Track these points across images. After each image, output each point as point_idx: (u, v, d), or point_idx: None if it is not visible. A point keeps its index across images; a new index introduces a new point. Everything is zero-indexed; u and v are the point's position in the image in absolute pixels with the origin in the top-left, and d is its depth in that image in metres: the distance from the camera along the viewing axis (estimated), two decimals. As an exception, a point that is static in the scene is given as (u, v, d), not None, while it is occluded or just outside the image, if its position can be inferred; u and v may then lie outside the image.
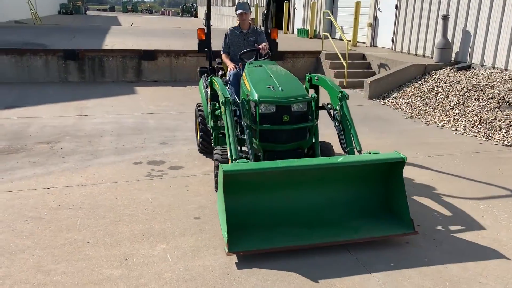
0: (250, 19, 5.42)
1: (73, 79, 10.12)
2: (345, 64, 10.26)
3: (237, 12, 5.25)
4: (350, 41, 11.69)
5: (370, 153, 3.62)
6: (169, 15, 60.23)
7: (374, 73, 10.61)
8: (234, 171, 3.20)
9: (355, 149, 3.95)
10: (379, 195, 3.70)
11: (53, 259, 3.12)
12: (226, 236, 3.10)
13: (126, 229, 3.60)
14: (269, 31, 5.80)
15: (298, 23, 17.93)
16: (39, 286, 2.80)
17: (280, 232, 3.35)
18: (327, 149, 4.33)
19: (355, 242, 3.32)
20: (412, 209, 3.59)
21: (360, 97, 9.45)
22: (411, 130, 7.05)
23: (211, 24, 5.64)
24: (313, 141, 4.21)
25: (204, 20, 5.67)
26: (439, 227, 3.73)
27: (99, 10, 78.25)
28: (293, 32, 18.54)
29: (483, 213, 4.04)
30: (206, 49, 5.65)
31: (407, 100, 8.66)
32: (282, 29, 18.72)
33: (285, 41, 14.76)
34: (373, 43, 13.03)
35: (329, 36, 11.36)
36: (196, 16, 44.96)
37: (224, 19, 29.89)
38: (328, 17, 12.83)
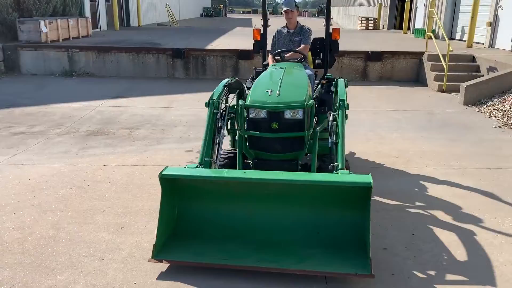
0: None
1: (179, 75, 11.25)
2: (445, 66, 9.54)
3: (282, 10, 5.01)
4: (464, 41, 10.75)
5: (338, 172, 3.18)
6: (305, 16, 61.25)
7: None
8: (170, 175, 3.08)
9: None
10: (340, 223, 3.19)
11: (69, 220, 3.77)
12: (155, 241, 3.01)
13: (139, 204, 4.11)
14: (330, 31, 5.38)
15: (419, 23, 16.93)
16: (46, 239, 3.45)
17: (217, 248, 3.10)
18: (325, 164, 3.84)
19: (295, 273, 2.91)
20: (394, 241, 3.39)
21: (455, 103, 8.72)
22: (490, 140, 6.36)
23: (268, 24, 5.61)
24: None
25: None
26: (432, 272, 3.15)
27: (243, 12, 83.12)
28: (412, 32, 17.56)
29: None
30: (261, 50, 5.82)
31: (505, 108, 7.73)
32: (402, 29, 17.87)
33: (394, 41, 14.15)
34: (491, 44, 11.75)
35: (432, 36, 10.61)
36: (328, 17, 44.97)
37: (352, 19, 29.45)
38: (433, 16, 11.94)
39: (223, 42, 12.90)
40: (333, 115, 3.66)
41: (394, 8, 21.63)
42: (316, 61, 5.09)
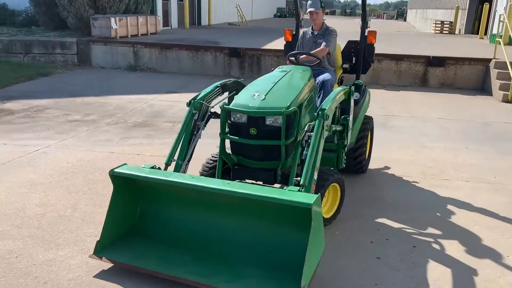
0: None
1: (234, 73, 11.51)
2: (511, 75, 8.87)
3: (307, 11, 4.78)
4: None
5: (285, 188, 2.91)
6: (383, 18, 59.43)
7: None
8: (120, 173, 3.03)
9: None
10: (281, 243, 2.92)
11: (87, 202, 4.07)
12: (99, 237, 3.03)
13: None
14: (365, 33, 5.01)
15: (497, 28, 15.79)
16: (62, 217, 3.77)
17: (158, 253, 3.02)
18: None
19: None
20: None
21: (519, 115, 8.09)
22: (544, 156, 5.84)
23: (301, 25, 5.57)
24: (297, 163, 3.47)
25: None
26: None
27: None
28: (489, 38, 16.42)
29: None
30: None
31: None
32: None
33: (465, 46, 13.36)
34: None
35: (501, 41, 9.88)
36: (405, 20, 43.25)
37: (428, 23, 28.12)
38: (502, 21, 11.09)
39: (282, 42, 12.97)
40: (309, 125, 3.33)
41: (473, 11, 20.33)
42: (344, 65, 4.85)
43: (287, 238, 2.88)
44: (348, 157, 4.57)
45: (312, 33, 4.87)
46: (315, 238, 2.66)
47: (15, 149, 5.51)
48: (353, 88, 4.07)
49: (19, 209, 3.87)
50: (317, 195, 2.67)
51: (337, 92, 3.71)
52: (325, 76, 4.46)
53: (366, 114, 4.89)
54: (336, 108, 3.87)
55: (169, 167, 3.51)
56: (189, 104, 3.72)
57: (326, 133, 3.33)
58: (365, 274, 3.05)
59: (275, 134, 3.34)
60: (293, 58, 4.52)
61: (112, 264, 2.98)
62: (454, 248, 3.46)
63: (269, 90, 3.53)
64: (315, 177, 3.12)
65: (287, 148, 3.40)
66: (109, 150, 5.61)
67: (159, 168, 3.21)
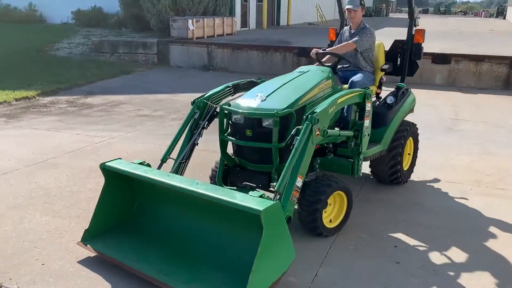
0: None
1: (303, 73, 11.55)
2: None
3: (345, 8, 4.55)
4: None
5: (248, 194, 2.75)
6: (481, 16, 55.24)
7: None
8: (109, 167, 3.16)
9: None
10: (240, 247, 2.87)
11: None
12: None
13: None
14: (412, 32, 4.65)
15: None
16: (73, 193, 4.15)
17: (135, 248, 3.10)
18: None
19: None
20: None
21: None
22: None
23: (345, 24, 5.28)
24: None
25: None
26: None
27: (411, 12, 78.62)
28: None
29: None
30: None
31: None
32: None
33: None
34: None
35: None
36: (504, 17, 39.82)
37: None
38: None
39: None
40: (297, 129, 3.15)
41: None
42: (383, 67, 4.53)
43: (253, 243, 2.72)
44: (381, 166, 4.37)
45: (349, 32, 4.65)
46: (268, 247, 2.54)
47: (85, 139, 6.10)
48: (370, 91, 3.73)
49: (73, 192, 4.32)
50: (273, 202, 2.57)
51: (341, 95, 3.48)
52: (356, 77, 4.27)
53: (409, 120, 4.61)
54: (354, 111, 3.77)
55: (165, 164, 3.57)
56: (193, 103, 3.74)
57: (318, 139, 3.15)
58: (377, 277, 3.00)
59: (271, 136, 3.26)
60: (316, 58, 4.36)
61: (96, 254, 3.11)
62: (484, 264, 3.23)
63: (274, 91, 3.49)
64: (298, 183, 2.99)
65: (282, 151, 3.28)
66: (165, 143, 5.96)
67: (147, 165, 3.23)
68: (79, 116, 7.47)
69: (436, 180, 4.81)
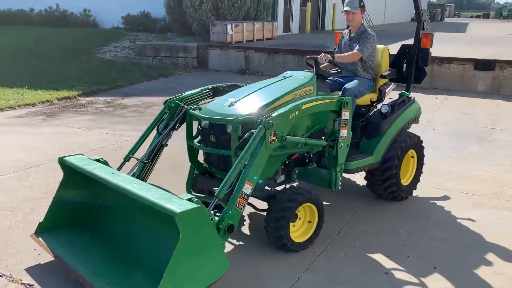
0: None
1: (339, 78, 11.40)
2: None
3: (342, 10, 4.31)
4: None
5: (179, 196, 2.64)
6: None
7: None
8: (65, 161, 3.17)
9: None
10: (160, 249, 2.76)
11: (154, 174, 4.56)
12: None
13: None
14: (419, 36, 4.34)
15: None
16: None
17: (79, 247, 3.06)
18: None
19: None
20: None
21: None
22: None
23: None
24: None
25: None
26: None
27: (471, 17, 75.57)
28: None
29: None
30: None
31: None
32: None
33: None
34: None
35: None
36: None
37: None
38: None
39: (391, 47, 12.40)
40: (250, 133, 3.01)
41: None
42: (383, 73, 4.27)
43: (161, 242, 2.73)
44: (375, 180, 4.12)
45: (349, 35, 4.38)
46: (187, 254, 2.43)
47: (111, 137, 6.37)
48: (348, 98, 3.46)
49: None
50: (196, 206, 2.45)
51: (307, 101, 3.27)
52: (350, 83, 4.08)
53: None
54: (332, 120, 3.52)
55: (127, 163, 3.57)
56: (165, 103, 3.65)
57: (274, 145, 2.98)
58: (361, 286, 2.92)
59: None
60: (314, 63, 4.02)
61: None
62: (479, 283, 3.08)
63: (245, 96, 3.38)
64: (246, 190, 2.82)
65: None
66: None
67: (104, 162, 3.22)
68: (112, 116, 7.81)
69: (453, 191, 4.60)
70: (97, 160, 3.21)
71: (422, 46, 4.34)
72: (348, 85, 4.04)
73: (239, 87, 3.91)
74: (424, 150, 4.44)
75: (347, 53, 4.13)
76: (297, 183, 3.70)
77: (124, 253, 2.96)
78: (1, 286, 2.84)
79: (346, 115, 3.46)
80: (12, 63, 12.15)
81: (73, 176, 3.20)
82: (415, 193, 4.47)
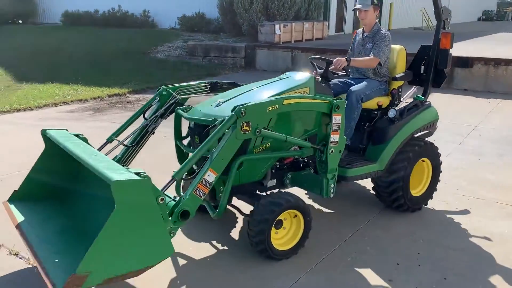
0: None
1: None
2: None
3: (354, 8, 4.11)
4: None
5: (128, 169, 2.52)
6: None
7: None
8: (47, 133, 3.15)
9: None
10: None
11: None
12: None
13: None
14: (439, 36, 4.06)
15: None
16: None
17: (45, 220, 3.03)
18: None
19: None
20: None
21: None
22: None
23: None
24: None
25: None
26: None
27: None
28: None
29: None
30: None
31: None
32: None
33: None
34: None
35: None
36: None
37: None
38: None
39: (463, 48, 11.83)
40: (222, 120, 2.94)
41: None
42: (396, 76, 4.04)
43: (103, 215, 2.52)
44: (381, 191, 3.92)
45: (362, 35, 4.16)
46: (121, 228, 2.30)
47: (149, 134, 6.62)
48: (340, 101, 3.24)
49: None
50: (139, 178, 2.31)
51: (291, 96, 3.14)
52: (356, 86, 3.88)
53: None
54: (324, 124, 3.33)
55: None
56: (158, 89, 3.63)
57: (245, 135, 2.84)
58: (360, 292, 2.86)
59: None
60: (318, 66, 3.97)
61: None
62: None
63: (234, 97, 3.32)
64: (209, 178, 2.71)
65: None
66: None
67: (83, 138, 3.16)
68: (155, 113, 8.11)
69: (486, 200, 4.35)
70: (77, 136, 3.16)
71: (442, 47, 4.05)
72: (354, 88, 3.86)
73: (238, 85, 3.82)
74: (440, 158, 4.13)
75: (363, 58, 3.95)
76: (287, 189, 3.51)
77: (82, 226, 2.89)
78: (16, 268, 3.07)
79: (337, 119, 3.24)
80: (72, 61, 12.95)
81: (51, 149, 3.13)
82: (442, 200, 4.28)
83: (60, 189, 3.25)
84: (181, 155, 3.62)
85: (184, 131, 3.56)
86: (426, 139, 4.13)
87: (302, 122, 3.39)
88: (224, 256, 3.33)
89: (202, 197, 2.72)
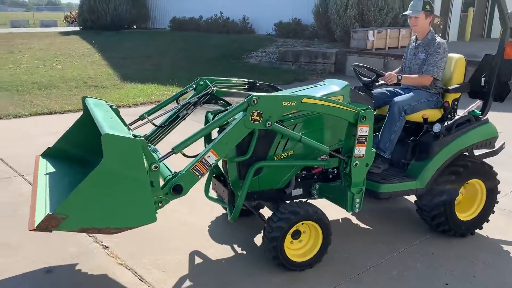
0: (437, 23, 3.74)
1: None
2: None
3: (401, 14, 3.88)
4: None
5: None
6: None
7: None
8: (85, 100, 3.34)
9: None
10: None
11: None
12: None
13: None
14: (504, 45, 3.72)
15: None
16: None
17: (61, 177, 3.11)
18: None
19: None
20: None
21: None
22: None
23: None
24: None
25: None
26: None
27: None
28: None
29: None
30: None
31: None
32: None
33: None
34: None
35: None
36: None
37: None
38: None
39: None
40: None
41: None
42: (451, 87, 3.77)
43: None
44: (424, 214, 3.68)
45: (415, 43, 3.96)
46: (104, 181, 2.34)
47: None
48: (368, 112, 3.04)
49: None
50: (131, 137, 2.38)
51: (311, 96, 3.00)
52: (400, 96, 3.71)
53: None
54: (351, 135, 3.09)
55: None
56: (196, 79, 3.67)
57: (255, 124, 2.78)
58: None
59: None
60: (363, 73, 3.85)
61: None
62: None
63: None
64: (209, 159, 2.71)
65: (241, 166, 3.12)
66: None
67: (115, 109, 3.32)
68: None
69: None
70: (110, 106, 3.35)
71: (506, 57, 3.70)
72: (398, 98, 3.67)
73: (277, 89, 3.79)
74: (496, 179, 3.75)
75: (415, 77, 3.75)
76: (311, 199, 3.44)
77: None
78: (86, 244, 3.47)
79: (364, 130, 3.05)
80: (172, 64, 13.91)
81: (86, 114, 3.22)
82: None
83: (86, 153, 3.31)
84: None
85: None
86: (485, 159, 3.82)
87: (330, 131, 3.31)
88: (252, 258, 3.38)
89: (199, 176, 2.73)
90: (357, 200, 3.20)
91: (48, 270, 3.12)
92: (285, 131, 2.99)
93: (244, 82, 3.86)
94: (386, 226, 3.94)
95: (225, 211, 3.99)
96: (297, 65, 13.80)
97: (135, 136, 2.50)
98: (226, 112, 2.89)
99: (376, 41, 12.89)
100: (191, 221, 3.93)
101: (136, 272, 3.11)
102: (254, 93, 2.80)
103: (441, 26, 11.16)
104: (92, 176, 2.33)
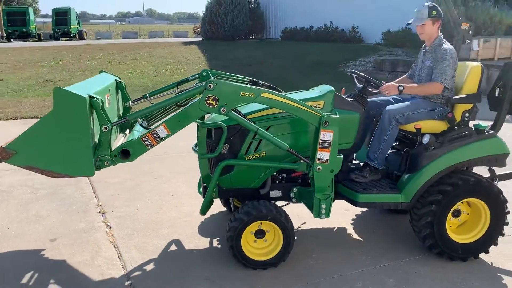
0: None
1: None
2: None
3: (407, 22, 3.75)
4: None
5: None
6: None
7: None
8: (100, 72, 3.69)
9: None
10: None
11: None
12: None
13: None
14: None
15: None
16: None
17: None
18: None
19: None
20: None
21: None
22: None
23: None
24: None
25: None
26: None
27: None
28: None
29: None
30: None
31: None
32: None
33: None
34: None
35: None
36: None
37: None
38: None
39: None
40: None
41: None
42: (455, 97, 3.44)
43: None
44: (413, 223, 3.40)
45: (424, 49, 3.74)
46: (52, 129, 2.65)
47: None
48: (330, 118, 2.96)
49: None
50: (81, 95, 2.62)
51: (272, 92, 2.97)
52: (393, 106, 3.48)
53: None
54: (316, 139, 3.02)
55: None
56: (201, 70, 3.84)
57: (209, 108, 2.86)
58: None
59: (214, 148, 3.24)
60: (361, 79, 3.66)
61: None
62: None
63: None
64: (160, 132, 2.88)
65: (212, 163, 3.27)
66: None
67: (121, 84, 3.73)
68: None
69: None
70: (118, 81, 3.74)
71: None
72: (390, 107, 3.45)
73: (278, 91, 3.65)
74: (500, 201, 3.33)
75: (421, 86, 3.52)
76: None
77: None
78: (95, 223, 3.97)
79: (327, 135, 2.99)
80: (264, 72, 14.34)
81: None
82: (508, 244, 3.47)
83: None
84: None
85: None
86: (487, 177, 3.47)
87: (302, 135, 3.29)
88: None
89: (149, 146, 2.91)
90: (323, 206, 3.15)
91: (53, 238, 3.67)
92: (242, 121, 3.00)
93: (247, 80, 3.94)
94: (384, 240, 3.73)
95: (225, 209, 4.17)
96: (393, 74, 13.23)
97: (90, 96, 2.75)
98: (185, 91, 3.08)
99: (482, 51, 11.78)
100: (195, 214, 4.17)
101: (119, 251, 3.49)
102: (215, 80, 2.92)
103: (470, 32, 9.84)
104: (41, 121, 2.72)
